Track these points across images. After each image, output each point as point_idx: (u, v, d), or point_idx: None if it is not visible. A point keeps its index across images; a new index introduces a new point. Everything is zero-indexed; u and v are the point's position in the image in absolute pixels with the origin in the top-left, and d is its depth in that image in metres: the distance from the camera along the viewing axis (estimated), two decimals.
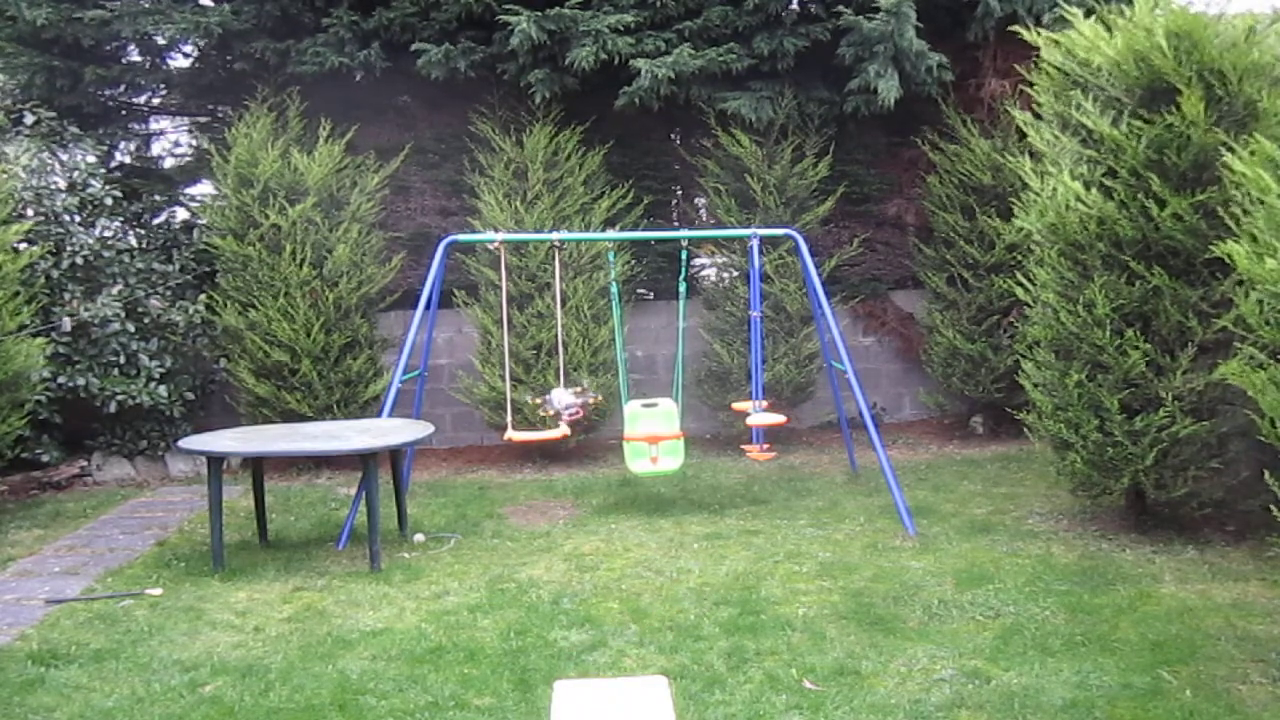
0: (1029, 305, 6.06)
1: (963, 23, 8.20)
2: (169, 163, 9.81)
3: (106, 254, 7.70)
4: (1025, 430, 6.25)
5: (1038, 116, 5.90)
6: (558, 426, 6.57)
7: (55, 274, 7.47)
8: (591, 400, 6.76)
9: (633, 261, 8.66)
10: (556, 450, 8.36)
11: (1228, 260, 4.13)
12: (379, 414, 6.59)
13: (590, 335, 8.21)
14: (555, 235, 6.82)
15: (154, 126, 10.06)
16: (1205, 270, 5.22)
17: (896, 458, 7.67)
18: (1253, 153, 3.99)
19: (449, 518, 6.70)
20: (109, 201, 7.96)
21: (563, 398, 6.55)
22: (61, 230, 7.59)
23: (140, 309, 7.87)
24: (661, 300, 9.32)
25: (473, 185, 8.56)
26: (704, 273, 9.25)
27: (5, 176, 6.97)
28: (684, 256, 7.18)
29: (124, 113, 9.49)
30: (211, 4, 8.61)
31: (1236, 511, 5.71)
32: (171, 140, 10.15)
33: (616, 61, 7.88)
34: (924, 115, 8.65)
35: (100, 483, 8.03)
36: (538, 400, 6.78)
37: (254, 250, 7.94)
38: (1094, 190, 5.33)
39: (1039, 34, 5.74)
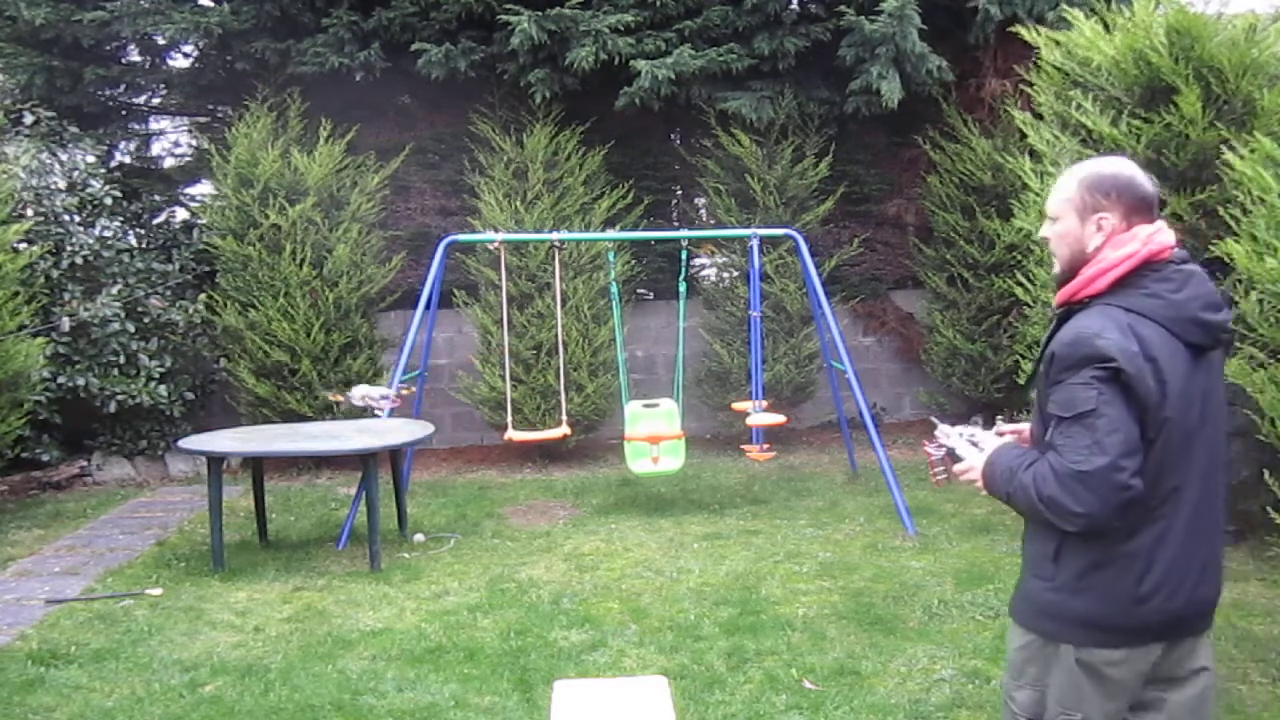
0: (1029, 305, 6.05)
1: (963, 23, 8.19)
2: (169, 163, 9.81)
3: (106, 254, 7.70)
4: None
5: (1038, 116, 5.89)
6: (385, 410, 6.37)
7: (55, 274, 7.47)
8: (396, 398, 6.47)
9: (633, 261, 8.65)
10: (556, 450, 8.36)
11: (1227, 260, 4.13)
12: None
13: (590, 335, 8.21)
14: (555, 235, 6.82)
15: (154, 126, 10.07)
16: (1204, 270, 5.20)
17: (896, 458, 7.66)
18: (1253, 151, 3.99)
19: (449, 518, 6.70)
20: (109, 201, 7.96)
21: (361, 390, 6.43)
22: (61, 230, 7.58)
23: (140, 309, 7.87)
24: (661, 300, 9.32)
25: (473, 185, 8.56)
26: (704, 273, 9.24)
27: (5, 176, 6.97)
28: (684, 256, 7.18)
29: (124, 113, 9.50)
30: (211, 4, 8.61)
31: (1236, 511, 5.70)
32: (171, 140, 10.16)
33: (616, 61, 7.88)
34: (924, 115, 8.64)
35: (100, 483, 8.03)
36: (337, 397, 6.68)
37: (254, 250, 7.94)
38: None
39: (1039, 34, 5.74)
